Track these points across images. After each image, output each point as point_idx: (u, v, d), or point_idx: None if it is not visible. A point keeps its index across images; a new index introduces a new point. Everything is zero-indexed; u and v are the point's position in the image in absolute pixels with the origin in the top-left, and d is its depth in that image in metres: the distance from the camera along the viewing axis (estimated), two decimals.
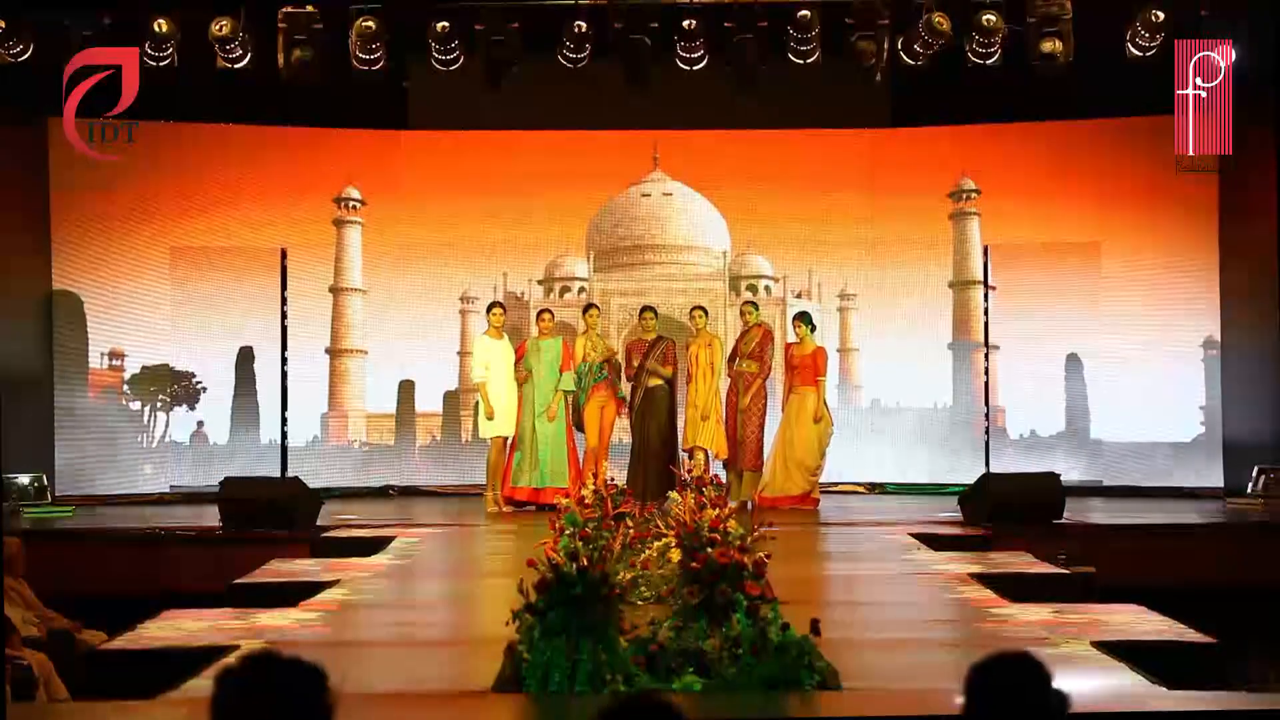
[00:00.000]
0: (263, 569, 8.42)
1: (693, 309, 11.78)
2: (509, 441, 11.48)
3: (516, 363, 11.50)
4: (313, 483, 11.09)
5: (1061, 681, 2.86)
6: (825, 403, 11.56)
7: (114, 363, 12.66)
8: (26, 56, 10.83)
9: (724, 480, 10.50)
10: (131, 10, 10.77)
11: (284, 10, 10.87)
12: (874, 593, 8.06)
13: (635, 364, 11.52)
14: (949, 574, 8.03)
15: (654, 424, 11.48)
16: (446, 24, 10.98)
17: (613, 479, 8.55)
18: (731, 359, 11.57)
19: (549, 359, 11.46)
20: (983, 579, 7.71)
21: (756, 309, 11.79)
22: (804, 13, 10.89)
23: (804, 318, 11.60)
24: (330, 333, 13.52)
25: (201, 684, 5.21)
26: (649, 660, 4.93)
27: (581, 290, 13.82)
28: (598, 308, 12.04)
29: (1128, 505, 11.56)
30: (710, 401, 11.39)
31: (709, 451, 11.37)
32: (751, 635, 4.97)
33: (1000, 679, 2.86)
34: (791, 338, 11.80)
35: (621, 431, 12.06)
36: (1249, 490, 11.74)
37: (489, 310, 11.69)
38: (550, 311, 11.87)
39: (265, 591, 7.67)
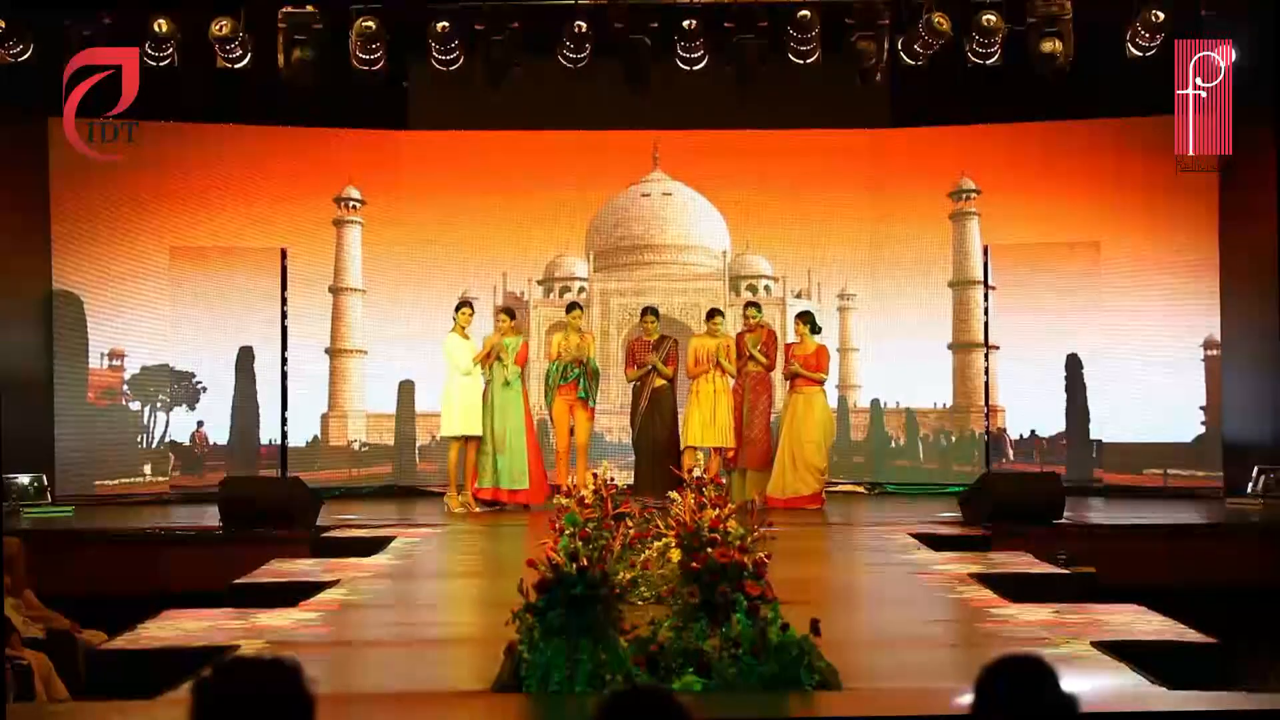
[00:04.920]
0: (263, 569, 8.42)
1: (711, 312, 11.75)
2: (472, 441, 11.45)
3: (485, 364, 11.44)
4: (313, 483, 11.09)
5: (1062, 682, 2.86)
6: (828, 402, 11.61)
7: (114, 363, 12.66)
8: (26, 56, 10.84)
9: (724, 480, 10.52)
10: (131, 10, 10.78)
11: (284, 10, 10.89)
12: (874, 593, 8.06)
13: (641, 360, 11.52)
14: (949, 574, 8.02)
15: (661, 423, 11.51)
16: (446, 24, 10.99)
17: (613, 479, 8.54)
18: (739, 360, 11.58)
19: (509, 359, 11.42)
20: (983, 579, 7.71)
21: (759, 310, 11.79)
22: (804, 13, 10.89)
23: (805, 317, 11.61)
24: (330, 333, 13.52)
25: None
26: (649, 660, 4.92)
27: (581, 290, 13.82)
28: (580, 307, 12.00)
29: (1128, 505, 11.56)
30: (721, 401, 11.41)
31: (723, 450, 11.41)
32: (751, 635, 4.97)
33: (1011, 680, 2.86)
34: (792, 338, 11.80)
35: (621, 432, 12.05)
36: (1249, 490, 11.73)
37: (458, 309, 11.62)
38: (510, 312, 11.81)
39: (265, 591, 7.66)
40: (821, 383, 11.51)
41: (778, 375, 11.86)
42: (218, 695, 2.69)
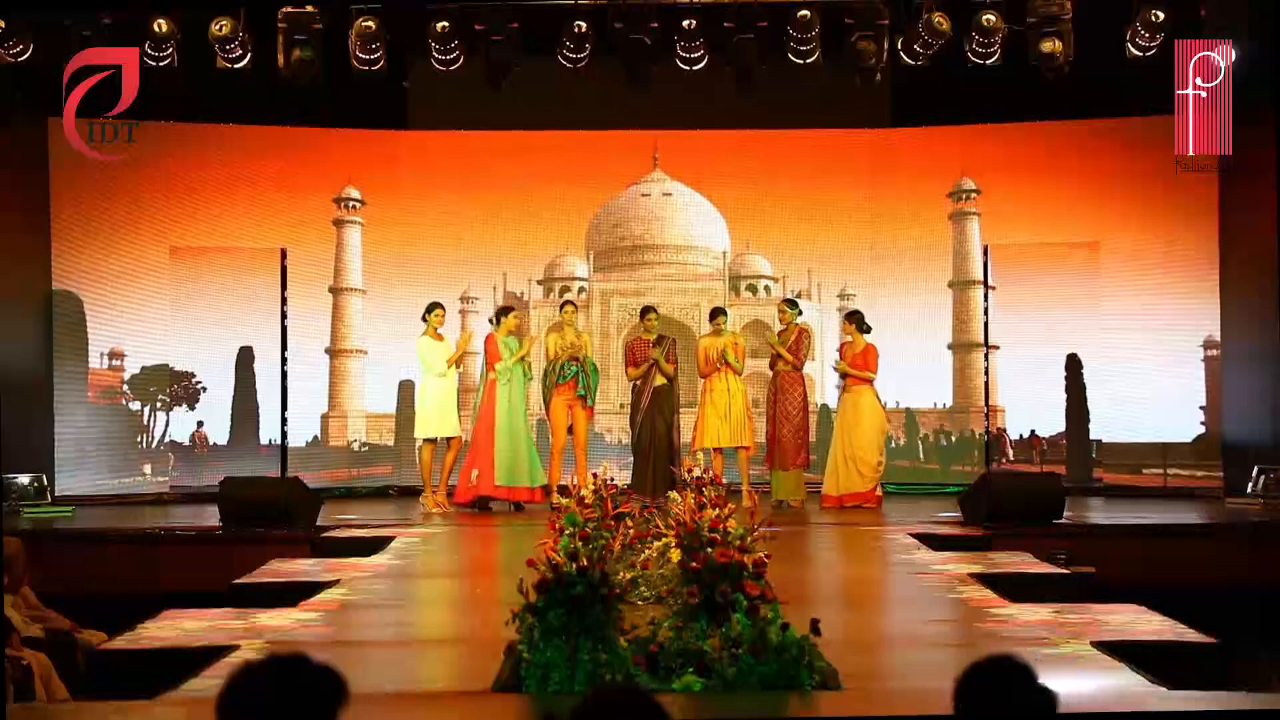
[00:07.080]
0: (263, 569, 8.42)
1: (714, 311, 11.72)
2: (449, 442, 11.48)
3: (490, 363, 11.45)
4: (313, 483, 11.09)
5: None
6: (879, 399, 11.62)
7: (114, 363, 12.66)
8: (26, 56, 10.84)
9: (722, 480, 10.53)
10: (131, 10, 10.78)
11: (284, 10, 10.88)
12: (874, 593, 8.07)
13: (642, 358, 11.50)
14: (949, 574, 8.02)
15: (661, 423, 11.51)
16: (446, 24, 10.99)
17: (613, 479, 8.54)
18: (771, 359, 11.60)
19: (527, 354, 11.47)
20: (983, 579, 7.71)
21: (791, 306, 11.74)
22: (804, 13, 10.89)
23: (854, 317, 11.65)
24: (330, 333, 13.52)
25: (202, 684, 5.22)
26: (649, 660, 4.92)
27: (581, 290, 13.82)
28: (574, 305, 11.99)
29: (1128, 505, 11.56)
30: (736, 400, 11.42)
31: (747, 449, 11.48)
32: (751, 635, 4.97)
33: (986, 682, 2.87)
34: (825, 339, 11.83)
35: (622, 432, 12.03)
36: (1249, 490, 11.72)
37: (429, 311, 11.60)
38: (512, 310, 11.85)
39: (265, 591, 7.67)
40: (870, 381, 11.50)
41: (823, 374, 11.85)
42: (263, 685, 2.69)
